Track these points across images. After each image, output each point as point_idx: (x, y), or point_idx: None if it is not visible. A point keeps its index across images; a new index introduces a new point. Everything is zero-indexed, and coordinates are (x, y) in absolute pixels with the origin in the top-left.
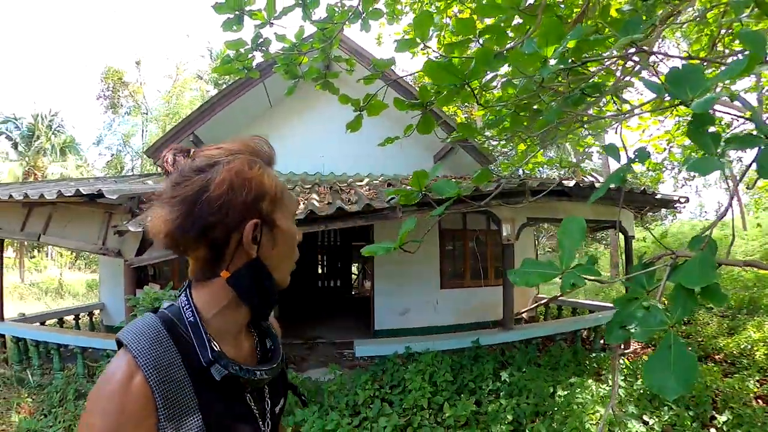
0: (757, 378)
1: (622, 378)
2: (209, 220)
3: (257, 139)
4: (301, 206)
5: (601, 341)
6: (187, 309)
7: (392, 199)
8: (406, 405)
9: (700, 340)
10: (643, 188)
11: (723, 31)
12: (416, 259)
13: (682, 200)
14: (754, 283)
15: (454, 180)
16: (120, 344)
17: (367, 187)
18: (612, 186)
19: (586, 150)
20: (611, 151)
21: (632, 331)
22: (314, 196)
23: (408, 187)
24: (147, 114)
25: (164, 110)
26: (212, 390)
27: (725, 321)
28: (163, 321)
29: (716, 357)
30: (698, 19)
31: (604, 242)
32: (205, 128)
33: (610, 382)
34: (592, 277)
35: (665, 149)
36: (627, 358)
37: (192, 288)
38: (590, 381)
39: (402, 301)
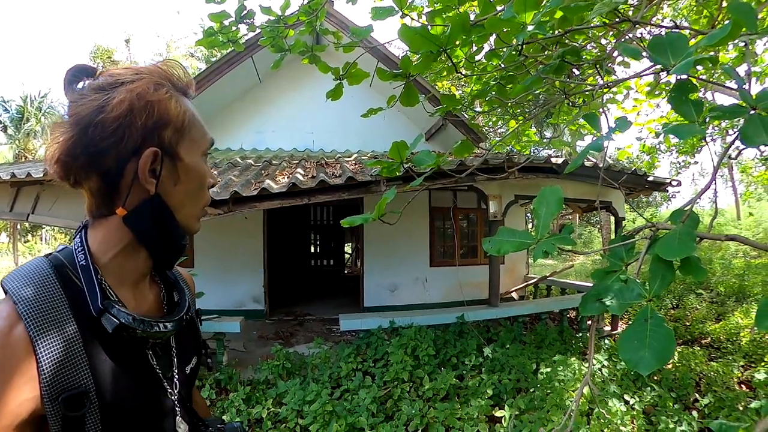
0: (742, 363)
1: (606, 357)
2: (101, 145)
3: (171, 62)
4: (285, 180)
5: (588, 321)
6: (79, 251)
7: (376, 172)
8: (388, 378)
9: (687, 324)
10: (633, 169)
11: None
12: (406, 236)
13: (674, 183)
14: (744, 271)
15: (437, 153)
16: (5, 291)
17: (354, 162)
18: (600, 165)
19: (580, 131)
20: (591, 119)
21: (608, 303)
22: (299, 170)
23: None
24: None
25: None
26: (105, 344)
27: (714, 307)
28: (53, 265)
29: (702, 341)
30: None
31: (598, 225)
32: (194, 102)
33: (593, 360)
34: (568, 247)
35: (660, 133)
36: (614, 339)
37: (88, 228)
38: (574, 359)
39: (391, 279)
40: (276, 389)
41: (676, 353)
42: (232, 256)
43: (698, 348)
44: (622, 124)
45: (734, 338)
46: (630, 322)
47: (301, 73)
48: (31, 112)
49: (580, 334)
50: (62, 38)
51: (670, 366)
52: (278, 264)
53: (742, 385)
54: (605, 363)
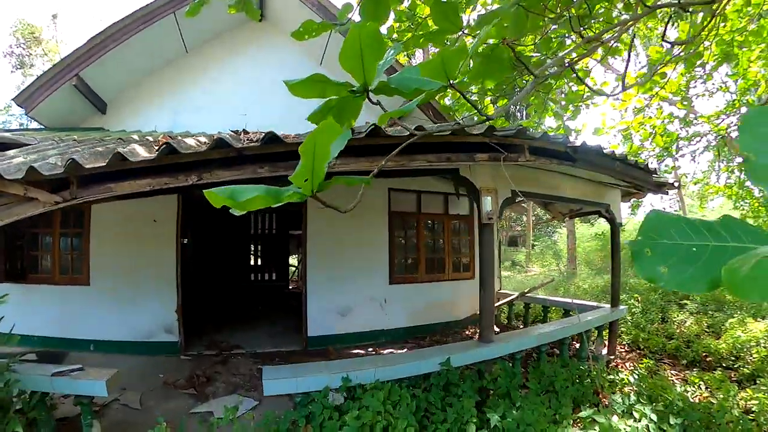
0: None
1: (626, 401)
2: None
3: None
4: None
5: (590, 348)
6: None
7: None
8: None
9: (688, 341)
10: (645, 164)
11: None
12: (360, 247)
13: (676, 184)
14: None
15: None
16: None
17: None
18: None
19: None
20: None
21: None
22: (202, 138)
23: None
24: None
25: None
26: None
27: (702, 318)
28: None
29: (708, 359)
30: None
31: (553, 237)
32: (97, 70)
33: (618, 404)
34: None
35: (651, 133)
36: (616, 365)
37: None
38: (604, 420)
39: (342, 300)
40: None
41: (709, 383)
42: (137, 273)
43: (719, 372)
44: None
45: (741, 354)
46: (634, 349)
47: (235, 46)
48: None
49: (585, 366)
50: None
51: (715, 404)
52: (205, 281)
53: None
54: (653, 417)
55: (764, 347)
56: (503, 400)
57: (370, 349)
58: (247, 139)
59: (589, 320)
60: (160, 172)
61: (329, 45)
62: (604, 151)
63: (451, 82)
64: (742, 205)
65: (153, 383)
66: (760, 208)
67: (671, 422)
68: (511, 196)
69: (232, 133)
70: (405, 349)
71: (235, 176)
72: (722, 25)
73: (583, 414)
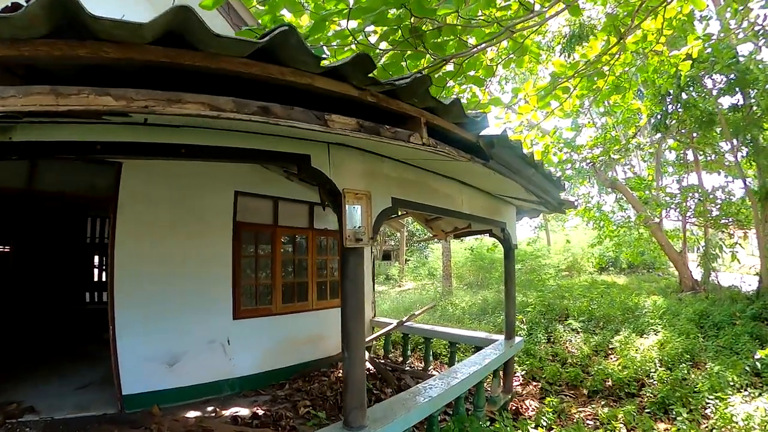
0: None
1: None
2: None
3: None
4: None
5: (487, 390)
6: None
7: None
8: None
9: (586, 366)
10: (559, 175)
11: None
12: (194, 271)
13: (576, 204)
14: (584, 291)
15: None
16: None
17: None
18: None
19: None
20: None
21: None
22: None
23: None
24: None
25: None
26: None
27: (587, 337)
28: None
29: (607, 384)
30: None
31: (425, 253)
32: None
33: None
34: None
35: (543, 153)
36: (516, 405)
37: None
38: None
39: (169, 343)
40: None
41: (626, 420)
42: None
43: (630, 405)
44: None
45: (641, 377)
46: (530, 381)
47: None
48: None
49: (487, 423)
50: None
51: None
52: (13, 307)
53: None
54: None
55: (663, 369)
56: None
57: (210, 408)
58: None
59: (488, 364)
60: None
61: None
62: (524, 151)
63: None
64: (594, 227)
65: None
66: (617, 230)
67: None
68: (392, 205)
69: None
70: (256, 405)
71: None
72: (620, 54)
73: None
